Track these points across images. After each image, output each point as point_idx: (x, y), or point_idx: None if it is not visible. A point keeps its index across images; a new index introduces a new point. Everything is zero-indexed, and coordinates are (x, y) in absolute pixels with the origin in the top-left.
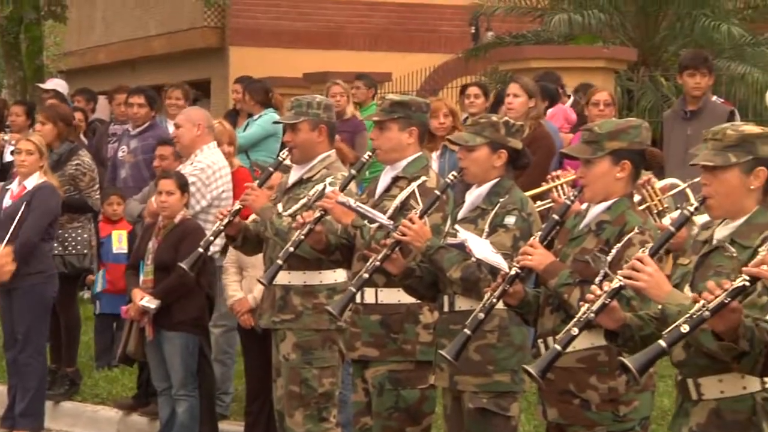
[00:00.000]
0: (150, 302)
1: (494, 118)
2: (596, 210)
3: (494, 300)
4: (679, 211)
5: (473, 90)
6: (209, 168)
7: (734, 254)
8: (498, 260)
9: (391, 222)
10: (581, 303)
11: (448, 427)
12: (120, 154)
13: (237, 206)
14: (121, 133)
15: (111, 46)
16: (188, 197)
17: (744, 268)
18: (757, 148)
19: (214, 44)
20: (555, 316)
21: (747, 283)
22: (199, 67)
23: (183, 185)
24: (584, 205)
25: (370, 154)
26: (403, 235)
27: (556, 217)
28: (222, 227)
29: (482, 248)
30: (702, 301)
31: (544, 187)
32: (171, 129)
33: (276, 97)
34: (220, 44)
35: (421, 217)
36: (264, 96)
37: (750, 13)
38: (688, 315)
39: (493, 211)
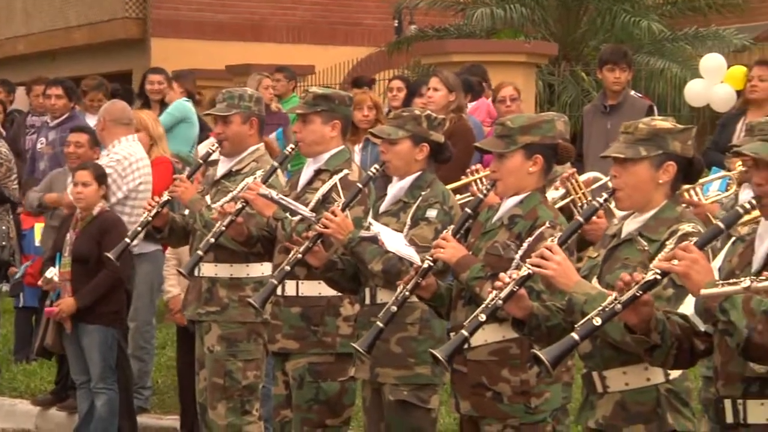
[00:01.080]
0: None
1: (416, 111)
2: (508, 204)
3: (407, 293)
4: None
5: (396, 83)
6: (125, 160)
7: (644, 247)
8: (410, 253)
9: (313, 214)
10: (490, 290)
11: (368, 420)
12: (39, 145)
13: (165, 197)
14: (39, 125)
15: (31, 37)
16: (106, 189)
17: (655, 263)
18: (667, 143)
19: (135, 35)
20: (467, 309)
21: (658, 277)
22: (121, 59)
23: (99, 176)
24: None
25: (293, 146)
26: (325, 227)
27: (468, 210)
28: (149, 218)
29: (395, 241)
30: (614, 294)
31: (464, 180)
32: (90, 122)
33: (199, 91)
34: (141, 35)
35: (343, 209)
36: (191, 86)
37: (669, 8)
38: (600, 308)
39: (415, 205)
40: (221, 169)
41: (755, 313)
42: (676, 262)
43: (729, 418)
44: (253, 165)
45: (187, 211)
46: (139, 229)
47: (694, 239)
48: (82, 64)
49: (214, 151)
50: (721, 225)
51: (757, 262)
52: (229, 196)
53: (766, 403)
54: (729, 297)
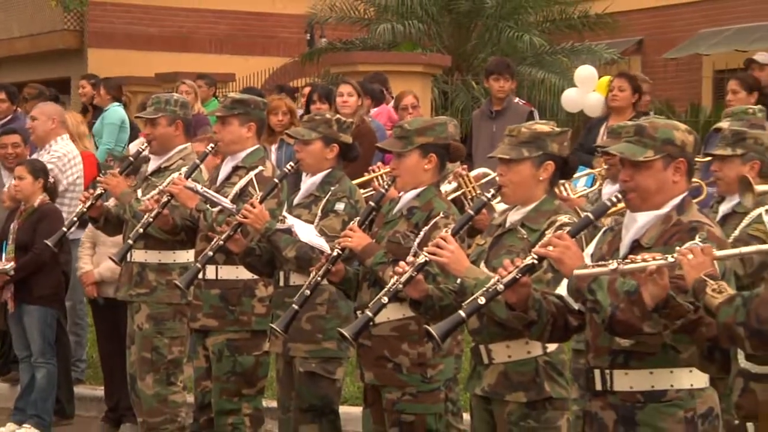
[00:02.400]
0: (3, 265)
1: (328, 115)
2: (407, 197)
3: (319, 278)
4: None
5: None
6: (65, 156)
7: (525, 236)
8: (320, 243)
9: (234, 206)
10: (392, 274)
11: (281, 389)
12: None
13: (99, 191)
14: None
15: None
16: (43, 182)
17: (533, 249)
18: (547, 145)
19: (73, 46)
20: (371, 291)
21: (536, 261)
22: (59, 67)
23: (35, 171)
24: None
25: (213, 146)
26: (245, 217)
27: (372, 204)
28: (85, 209)
29: (306, 232)
30: (497, 277)
31: (368, 177)
32: None
33: (127, 95)
34: (78, 46)
35: (261, 202)
36: (117, 92)
37: (548, 25)
38: (484, 289)
39: (325, 198)
40: (151, 166)
41: (618, 293)
42: (551, 248)
43: (598, 386)
44: (179, 163)
45: (112, 201)
46: (75, 219)
47: (568, 228)
48: (24, 71)
49: (143, 150)
50: (591, 216)
51: (623, 248)
52: (157, 190)
53: (629, 372)
54: (596, 279)
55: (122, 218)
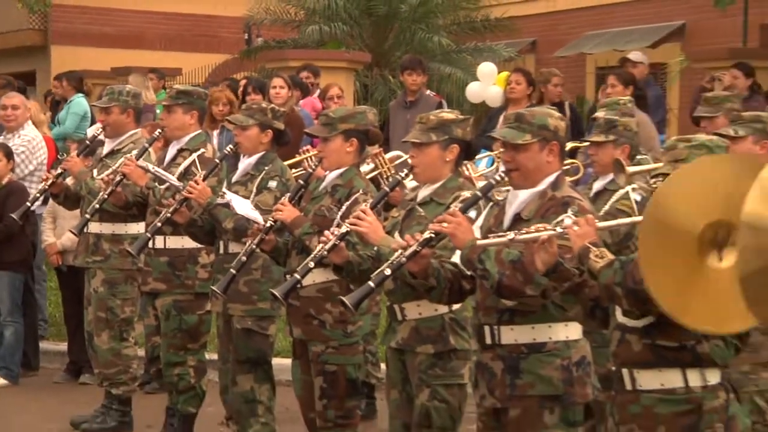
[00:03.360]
0: None
1: (263, 104)
2: (331, 176)
3: (254, 246)
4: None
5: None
6: (33, 140)
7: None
8: (255, 215)
9: (180, 183)
10: (317, 243)
11: (220, 344)
12: None
13: (59, 170)
14: None
15: None
16: (13, 164)
17: (430, 225)
18: (452, 130)
19: (38, 43)
20: (299, 257)
21: (433, 236)
22: (26, 62)
23: (8, 154)
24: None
25: (161, 131)
26: (190, 193)
27: (301, 181)
28: (47, 187)
29: (243, 206)
30: (400, 250)
31: (297, 158)
32: None
33: (88, 86)
34: (43, 43)
35: (203, 179)
36: (78, 83)
37: (455, 28)
38: (390, 261)
39: (260, 177)
40: (105, 149)
41: (504, 262)
42: (445, 224)
43: (488, 340)
44: (130, 146)
45: (70, 180)
46: (38, 195)
47: (462, 205)
48: None
49: (98, 135)
50: (479, 193)
51: (507, 221)
52: (110, 170)
53: (514, 328)
54: (485, 250)
55: (79, 194)
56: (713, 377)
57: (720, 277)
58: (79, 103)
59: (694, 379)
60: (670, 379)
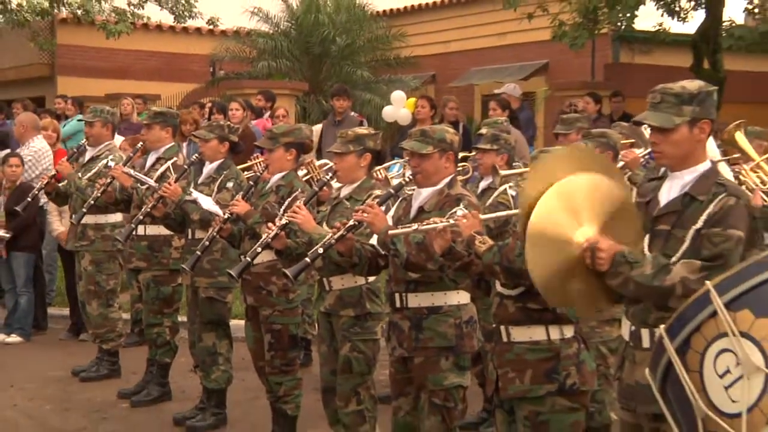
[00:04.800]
0: (5, 234)
1: (222, 122)
2: (275, 178)
3: (215, 233)
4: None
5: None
6: (40, 151)
7: (348, 206)
8: (216, 209)
9: (157, 185)
10: (264, 231)
11: (189, 309)
12: None
13: (52, 172)
14: None
15: None
16: (23, 168)
17: (354, 215)
18: (366, 142)
19: (46, 74)
20: (251, 242)
21: (356, 223)
22: (37, 89)
23: (21, 161)
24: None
25: (142, 143)
26: (165, 192)
27: (251, 182)
28: (43, 186)
29: (206, 202)
30: (330, 233)
31: (248, 164)
32: None
33: (85, 108)
34: (50, 74)
35: (175, 181)
36: (80, 106)
37: (373, 63)
38: (322, 242)
39: (220, 179)
40: (87, 156)
41: (411, 244)
42: (366, 214)
43: (398, 304)
44: (106, 153)
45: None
46: (36, 192)
47: (378, 199)
48: (11, 92)
49: (83, 145)
50: (392, 191)
51: (413, 212)
52: (92, 171)
53: (418, 295)
54: (397, 235)
55: (68, 192)
56: (569, 332)
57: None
58: (78, 123)
59: (555, 333)
60: (536, 333)
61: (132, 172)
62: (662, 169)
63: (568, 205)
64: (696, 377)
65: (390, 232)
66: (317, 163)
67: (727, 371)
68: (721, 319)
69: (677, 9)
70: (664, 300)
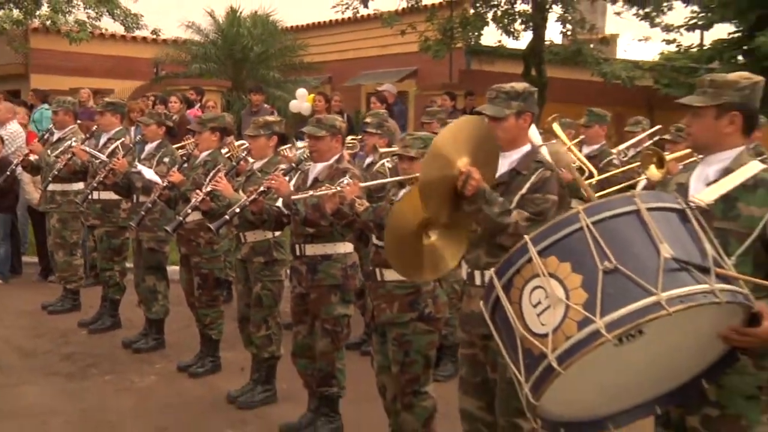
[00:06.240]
0: None
1: (160, 111)
2: (203, 155)
3: (156, 197)
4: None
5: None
6: (15, 132)
7: (260, 177)
8: (156, 179)
9: (108, 159)
10: (194, 196)
11: (135, 257)
12: None
13: (26, 151)
14: None
15: None
16: (2, 147)
17: (264, 182)
18: (273, 127)
19: (22, 72)
20: (183, 204)
21: (265, 189)
22: (13, 84)
23: (1, 140)
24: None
25: (97, 127)
26: (114, 165)
27: (184, 158)
28: (20, 161)
29: (149, 173)
30: (245, 197)
31: (182, 143)
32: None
33: (50, 99)
34: (25, 72)
35: (123, 157)
36: (44, 97)
37: (283, 67)
38: (239, 203)
39: (158, 156)
40: (55, 137)
41: (308, 206)
42: (273, 182)
43: (297, 252)
44: (69, 134)
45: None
46: (14, 167)
47: (283, 171)
48: None
49: (51, 128)
50: (294, 165)
51: (309, 181)
52: (59, 150)
53: (314, 245)
54: (297, 198)
55: (39, 166)
56: None
57: (431, 246)
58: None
59: None
60: None
61: (88, 149)
62: None
63: (457, 139)
64: (516, 307)
65: (292, 197)
66: (237, 143)
67: (539, 302)
68: (535, 263)
69: (512, 30)
70: (499, 233)
